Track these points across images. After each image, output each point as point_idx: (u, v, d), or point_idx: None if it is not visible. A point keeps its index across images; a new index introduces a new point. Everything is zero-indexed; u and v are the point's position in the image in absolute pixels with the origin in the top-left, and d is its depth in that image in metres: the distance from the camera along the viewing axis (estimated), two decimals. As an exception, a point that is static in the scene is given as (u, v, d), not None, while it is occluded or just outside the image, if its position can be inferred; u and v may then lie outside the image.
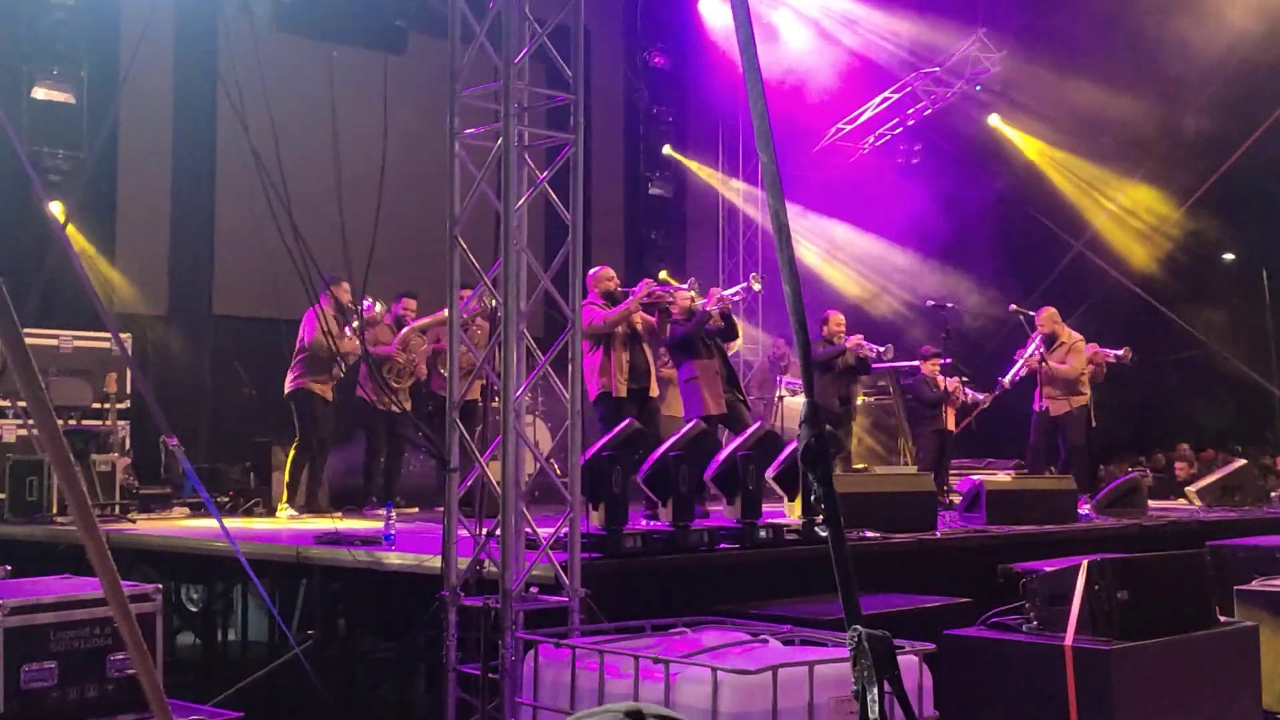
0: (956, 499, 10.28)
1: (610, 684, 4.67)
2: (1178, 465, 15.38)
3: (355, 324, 10.01)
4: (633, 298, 9.96)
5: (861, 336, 12.35)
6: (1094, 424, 13.14)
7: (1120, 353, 13.03)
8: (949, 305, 12.87)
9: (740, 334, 11.26)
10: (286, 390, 10.53)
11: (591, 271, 10.09)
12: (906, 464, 13.69)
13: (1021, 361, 12.72)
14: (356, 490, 11.13)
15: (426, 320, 10.95)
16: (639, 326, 10.09)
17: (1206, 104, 15.51)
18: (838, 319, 12.48)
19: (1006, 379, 12.89)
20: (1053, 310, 12.75)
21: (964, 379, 13.13)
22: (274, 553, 7.48)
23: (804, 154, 17.60)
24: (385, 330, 10.98)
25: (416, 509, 10.64)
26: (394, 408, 10.23)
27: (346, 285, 9.62)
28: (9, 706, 5.04)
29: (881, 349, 12.33)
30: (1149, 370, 14.59)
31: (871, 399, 15.38)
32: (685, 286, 10.36)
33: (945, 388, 12.65)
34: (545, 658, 5.05)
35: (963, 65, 17.21)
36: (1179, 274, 16.50)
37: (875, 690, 2.49)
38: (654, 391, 10.16)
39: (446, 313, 10.69)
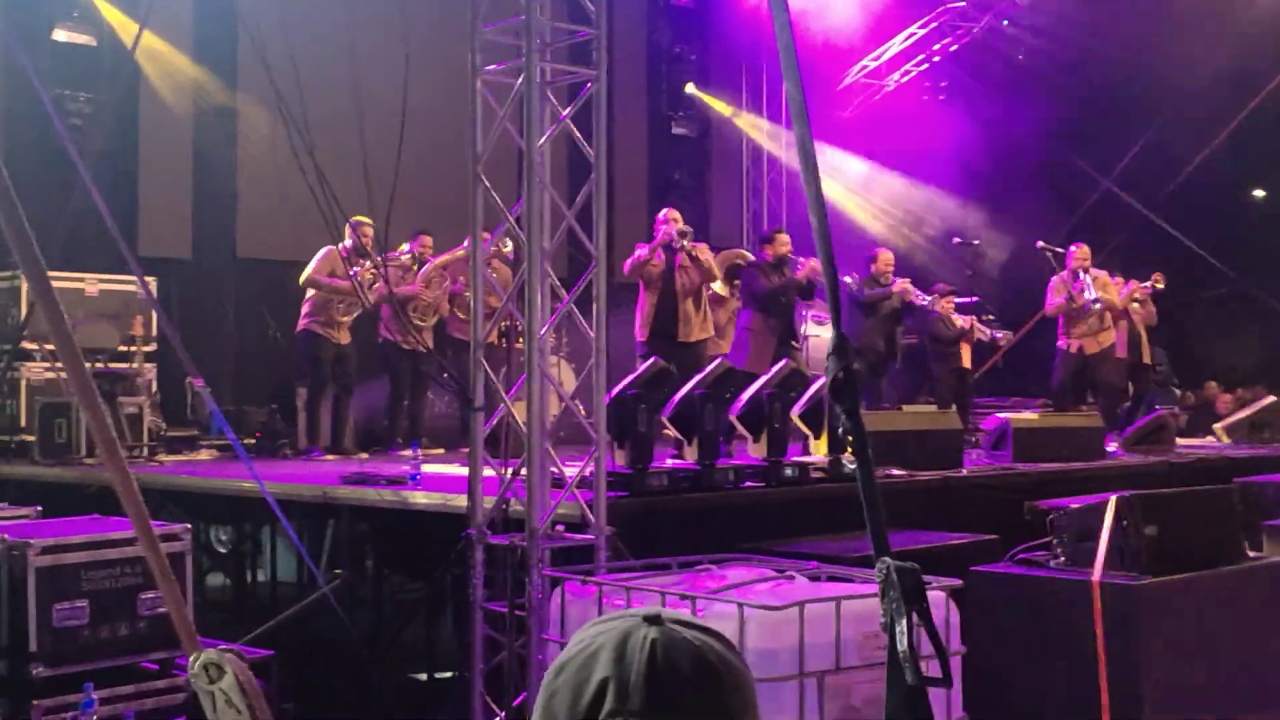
0: (982, 436, 10.26)
1: (637, 620, 4.67)
2: (1221, 400, 15.24)
3: (369, 265, 10.06)
4: (648, 246, 10.06)
5: (909, 281, 12.28)
6: (1147, 362, 13.09)
7: (1153, 279, 12.95)
8: (975, 242, 12.75)
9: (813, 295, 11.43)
10: (296, 330, 10.63)
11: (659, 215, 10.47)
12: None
13: (1092, 293, 12.35)
14: (383, 431, 11.18)
15: (446, 257, 10.96)
16: (689, 271, 10.10)
17: (1239, 37, 15.28)
18: (886, 257, 12.34)
19: (1090, 295, 12.44)
20: (1085, 247, 12.63)
21: (989, 317, 13.05)
22: (301, 493, 7.53)
23: (828, 91, 17.43)
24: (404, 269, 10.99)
25: (441, 449, 10.67)
26: (420, 347, 10.27)
27: (369, 230, 9.65)
28: (41, 644, 5.10)
29: (929, 299, 12.31)
30: (1178, 308, 14.49)
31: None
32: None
33: (961, 325, 12.59)
34: (571, 595, 5.06)
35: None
36: (1209, 211, 16.32)
37: (904, 622, 2.47)
38: (684, 336, 10.13)
39: (465, 248, 10.84)
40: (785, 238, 10.96)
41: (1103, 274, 12.71)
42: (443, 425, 11.65)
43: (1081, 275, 12.36)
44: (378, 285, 10.18)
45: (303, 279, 10.52)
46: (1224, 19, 15.32)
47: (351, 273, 9.43)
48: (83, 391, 2.32)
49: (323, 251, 10.35)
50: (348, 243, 9.63)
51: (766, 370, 10.25)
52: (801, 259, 10.74)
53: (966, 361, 12.79)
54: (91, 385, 2.31)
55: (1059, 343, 12.65)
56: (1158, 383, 15.01)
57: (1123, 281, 13.10)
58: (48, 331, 2.39)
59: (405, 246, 10.71)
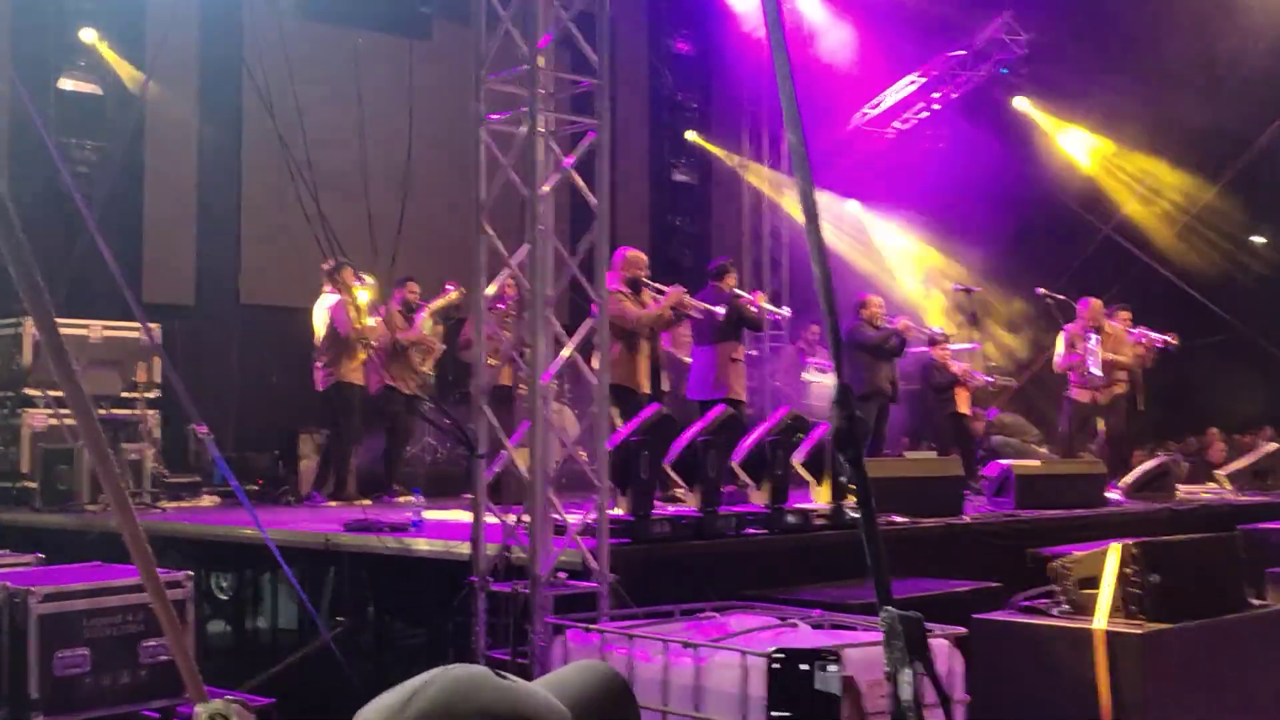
0: (984, 483, 10.24)
1: (640, 668, 4.67)
2: (1215, 448, 15.26)
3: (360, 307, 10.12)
4: (665, 302, 9.82)
5: (909, 320, 12.35)
6: (1141, 408, 13.07)
7: (1169, 338, 12.94)
8: (975, 289, 12.80)
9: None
10: (322, 385, 10.52)
11: (620, 252, 9.83)
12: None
13: (1093, 357, 12.47)
14: (381, 478, 11.16)
15: (440, 302, 11.03)
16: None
17: (1237, 84, 15.37)
18: (876, 301, 12.36)
19: (1095, 369, 12.56)
20: (1098, 302, 12.68)
21: (991, 364, 13.09)
22: (303, 540, 7.51)
23: (829, 139, 17.52)
24: (397, 316, 10.99)
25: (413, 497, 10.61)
26: (418, 391, 10.31)
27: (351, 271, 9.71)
28: (43, 692, 5.09)
29: (936, 331, 12.44)
30: (1180, 354, 14.50)
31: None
32: (713, 311, 10.41)
33: (954, 372, 12.63)
34: (574, 642, 5.06)
35: (989, 48, 17.10)
36: (1209, 257, 16.38)
37: (907, 671, 2.47)
38: (665, 386, 10.20)
39: (453, 293, 10.89)
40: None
41: (1119, 328, 12.72)
42: (443, 471, 11.64)
43: (1093, 336, 12.39)
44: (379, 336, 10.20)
45: (346, 334, 10.40)
46: (1222, 65, 15.42)
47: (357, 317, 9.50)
48: (93, 444, 2.33)
49: (335, 303, 10.31)
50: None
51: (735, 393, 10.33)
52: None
53: (964, 407, 12.81)
54: (102, 437, 2.33)
55: (1070, 393, 12.66)
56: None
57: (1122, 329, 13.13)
58: (55, 378, 2.40)
59: (361, 292, 10.54)
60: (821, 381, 13.62)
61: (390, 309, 10.83)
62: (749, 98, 17.57)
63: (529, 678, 5.37)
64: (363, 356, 10.50)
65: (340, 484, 10.61)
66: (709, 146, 17.60)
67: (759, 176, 17.79)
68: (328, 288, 10.38)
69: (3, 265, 2.38)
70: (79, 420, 2.42)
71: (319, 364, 10.50)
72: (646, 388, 9.71)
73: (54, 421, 9.93)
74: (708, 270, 11.02)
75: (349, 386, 10.49)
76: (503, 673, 1.41)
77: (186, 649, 2.45)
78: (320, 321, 10.45)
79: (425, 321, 11.01)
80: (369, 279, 10.34)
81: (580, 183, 6.20)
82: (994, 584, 6.59)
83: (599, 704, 1.46)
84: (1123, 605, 5.21)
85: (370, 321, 10.32)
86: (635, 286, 9.83)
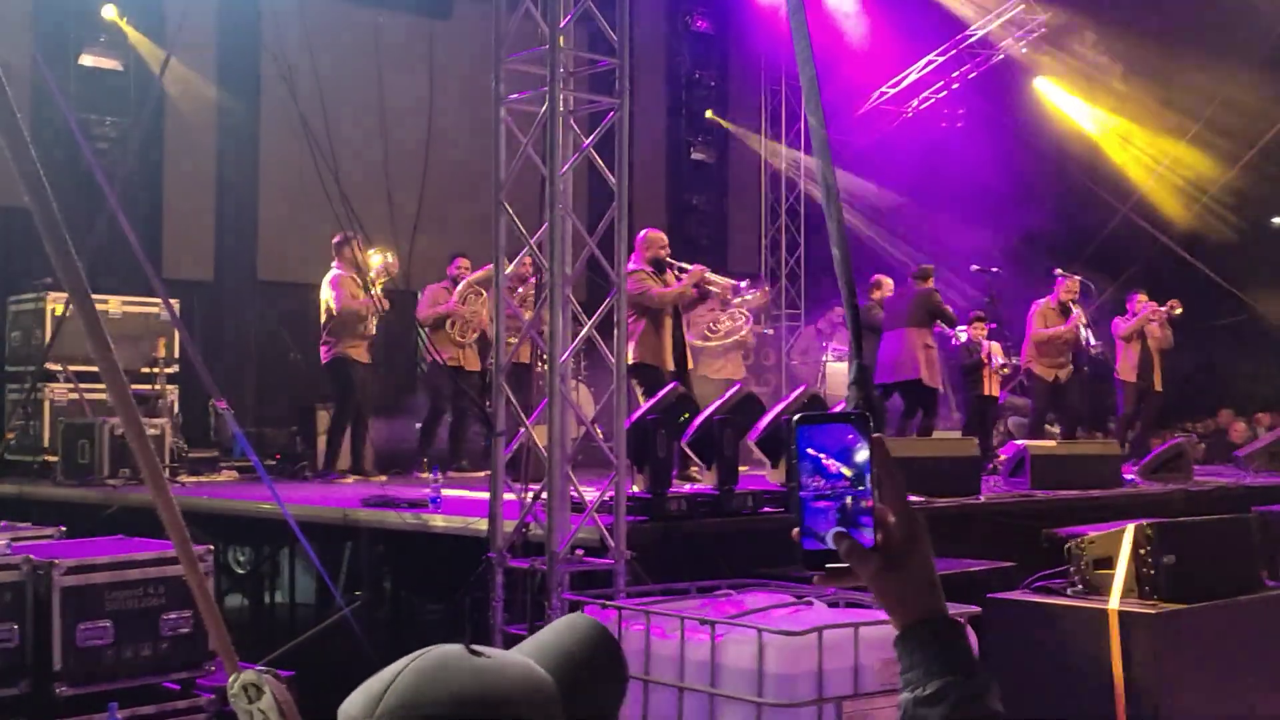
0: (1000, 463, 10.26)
1: (656, 645, 4.70)
2: (1234, 428, 15.27)
3: (373, 282, 10.18)
4: (687, 280, 9.88)
5: None
6: (1159, 388, 13.12)
7: (1170, 304, 12.97)
8: (993, 270, 12.78)
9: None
10: (324, 359, 10.60)
11: (641, 234, 9.85)
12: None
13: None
14: (402, 454, 11.22)
15: (480, 274, 10.93)
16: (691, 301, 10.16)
17: (1258, 64, 15.29)
18: (888, 282, 12.48)
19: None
20: (1076, 280, 12.79)
21: (1006, 344, 13.08)
22: (321, 515, 7.56)
23: (848, 118, 17.47)
24: (443, 292, 11.10)
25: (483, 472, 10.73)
26: (462, 365, 10.43)
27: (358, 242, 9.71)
28: (66, 664, 5.15)
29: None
30: (1197, 335, 14.47)
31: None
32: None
33: (985, 353, 12.63)
34: (591, 619, 5.09)
35: (1008, 27, 17.03)
36: (1227, 238, 16.32)
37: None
38: (691, 365, 10.21)
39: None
40: None
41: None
42: (467, 447, 11.71)
43: (1073, 309, 12.47)
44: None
45: (341, 309, 10.45)
46: (1243, 43, 15.33)
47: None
48: (128, 420, 2.37)
49: (336, 278, 10.42)
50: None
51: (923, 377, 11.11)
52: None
53: (991, 389, 12.78)
54: (137, 413, 2.37)
55: (1032, 367, 12.73)
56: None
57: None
58: (90, 352, 2.44)
59: (375, 262, 10.55)
60: (840, 369, 13.69)
61: (435, 289, 10.99)
62: (768, 76, 17.53)
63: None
64: (373, 331, 10.57)
65: (357, 459, 10.67)
66: (727, 125, 17.56)
67: (776, 154, 17.76)
68: (334, 261, 10.45)
69: (26, 241, 2.41)
70: (113, 393, 2.46)
71: (323, 338, 10.59)
72: (670, 365, 9.72)
73: (74, 396, 10.00)
74: (911, 272, 12.01)
75: (350, 362, 10.50)
76: (478, 649, 1.41)
77: (219, 620, 2.50)
78: (326, 296, 10.52)
79: (473, 298, 11.03)
80: (374, 251, 10.35)
81: (599, 162, 6.22)
82: (1009, 564, 6.60)
83: (583, 660, 1.47)
84: (1137, 586, 5.23)
85: (378, 290, 10.31)
86: (658, 266, 9.83)
